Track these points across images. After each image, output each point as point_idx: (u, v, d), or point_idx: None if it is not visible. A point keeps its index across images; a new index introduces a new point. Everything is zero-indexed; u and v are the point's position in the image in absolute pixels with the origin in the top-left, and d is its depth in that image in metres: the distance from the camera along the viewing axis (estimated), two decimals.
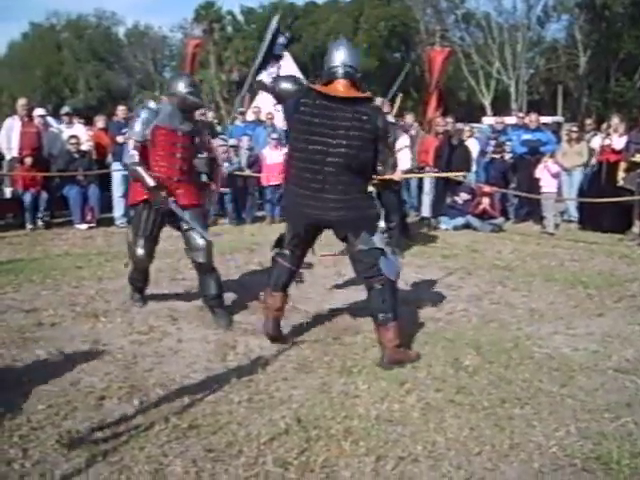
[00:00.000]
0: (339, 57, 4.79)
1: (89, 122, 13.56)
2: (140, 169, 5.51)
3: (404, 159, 8.94)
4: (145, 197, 5.60)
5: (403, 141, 9.41)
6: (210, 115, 14.78)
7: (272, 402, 4.01)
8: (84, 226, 11.09)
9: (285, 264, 5.03)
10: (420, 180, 12.45)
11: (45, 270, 7.55)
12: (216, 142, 11.78)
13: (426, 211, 12.06)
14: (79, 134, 12.14)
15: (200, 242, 5.63)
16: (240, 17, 52.07)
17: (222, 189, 11.48)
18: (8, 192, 11.31)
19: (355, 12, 43.90)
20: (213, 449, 3.44)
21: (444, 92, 12.76)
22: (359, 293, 6.62)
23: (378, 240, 4.79)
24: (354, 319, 5.73)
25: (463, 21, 42.36)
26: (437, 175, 10.76)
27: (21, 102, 11.75)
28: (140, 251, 5.77)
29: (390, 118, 9.60)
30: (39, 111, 12.30)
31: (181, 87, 5.69)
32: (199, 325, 5.53)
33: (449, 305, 6.33)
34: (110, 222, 11.39)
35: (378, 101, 8.75)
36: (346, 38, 5.51)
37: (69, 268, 7.65)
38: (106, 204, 11.68)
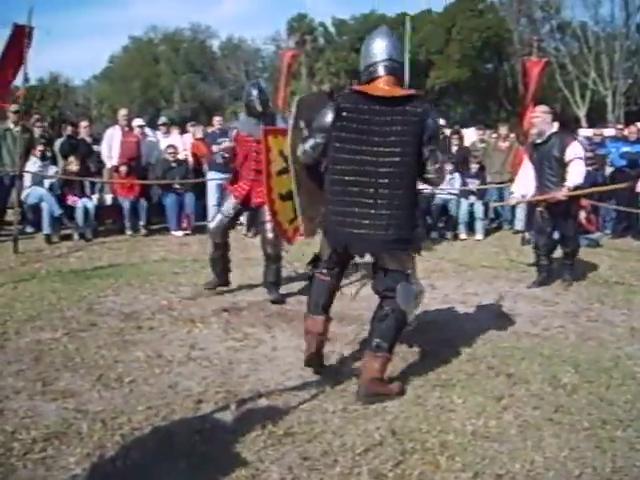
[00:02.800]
0: (379, 50, 4.15)
1: (183, 132, 13.90)
2: None
3: (576, 172, 7.33)
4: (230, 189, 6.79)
5: (576, 150, 7.42)
6: None
7: (366, 413, 3.99)
8: (180, 233, 11.36)
9: (325, 280, 4.44)
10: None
11: (143, 275, 7.78)
12: None
13: (520, 224, 11.82)
14: (176, 143, 12.47)
15: (269, 236, 6.53)
16: (332, 29, 52.38)
17: None
18: (109, 199, 11.71)
19: (447, 23, 43.45)
20: (308, 457, 3.45)
21: (538, 104, 12.48)
22: (452, 306, 6.59)
23: (410, 263, 4.24)
24: (448, 332, 5.66)
25: (558, 31, 41.37)
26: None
27: (122, 112, 12.20)
28: (213, 225, 6.79)
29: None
30: (138, 121, 12.71)
31: (244, 96, 6.68)
32: (293, 334, 5.56)
33: (545, 321, 6.16)
34: (205, 230, 11.58)
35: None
36: (388, 28, 4.36)
37: (166, 273, 7.85)
38: (201, 212, 11.91)
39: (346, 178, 4.05)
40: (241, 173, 6.69)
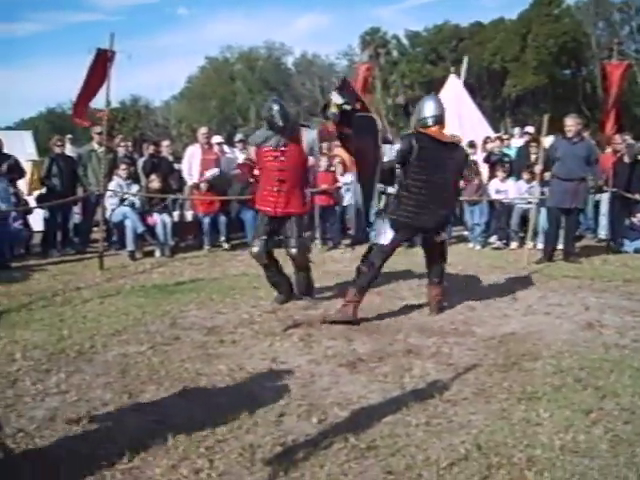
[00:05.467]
0: (430, 109, 6.41)
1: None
2: None
3: None
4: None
5: None
6: None
7: (450, 427, 3.92)
8: None
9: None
10: (597, 200, 11.95)
11: (224, 289, 7.88)
12: None
13: (604, 233, 11.49)
14: (253, 159, 12.61)
15: (293, 251, 6.85)
16: (405, 41, 52.30)
17: None
18: (189, 215, 11.93)
19: (522, 30, 42.77)
20: (392, 471, 3.40)
21: (621, 108, 12.12)
22: (536, 318, 6.44)
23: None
24: (532, 344, 5.52)
25: (638, 32, 40.23)
26: None
27: (202, 130, 12.45)
28: (255, 249, 6.91)
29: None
30: (217, 138, 12.97)
31: (264, 111, 6.88)
32: (374, 347, 5.53)
33: (633, 332, 5.95)
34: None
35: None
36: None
37: (246, 288, 7.93)
38: None
39: (423, 191, 6.26)
40: (264, 186, 6.91)
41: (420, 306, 6.92)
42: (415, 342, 5.66)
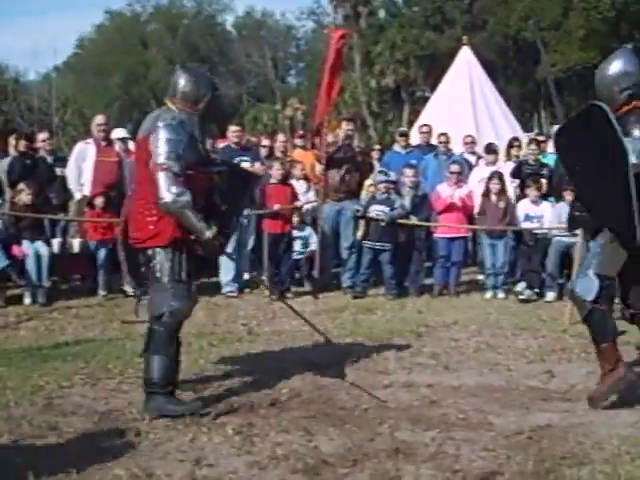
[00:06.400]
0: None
1: None
2: None
3: None
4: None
5: None
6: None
7: None
8: None
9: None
10: None
11: (126, 356, 7.85)
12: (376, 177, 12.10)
13: None
14: None
15: None
16: None
17: (373, 243, 11.67)
18: (76, 245, 11.85)
19: None
20: None
21: None
22: (582, 404, 6.53)
23: None
24: (576, 443, 5.56)
25: None
26: None
27: (98, 120, 12.40)
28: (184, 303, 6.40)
29: None
30: (119, 132, 12.87)
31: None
32: (346, 444, 5.55)
33: None
34: (214, 289, 11.72)
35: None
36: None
37: None
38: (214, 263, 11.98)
39: None
40: None
41: (412, 385, 6.97)
42: (406, 437, 5.66)
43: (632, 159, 5.98)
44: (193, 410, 6.10)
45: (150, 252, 6.28)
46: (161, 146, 6.04)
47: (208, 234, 6.19)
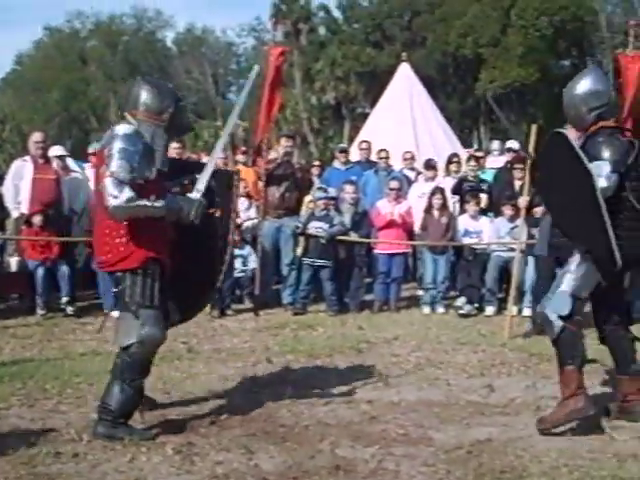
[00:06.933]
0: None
1: None
2: None
3: None
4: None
5: None
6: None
7: None
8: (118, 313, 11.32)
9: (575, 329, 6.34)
10: None
11: (64, 376, 7.75)
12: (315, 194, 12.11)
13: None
14: None
15: None
16: (337, 13, 53.19)
17: (313, 260, 11.69)
18: (14, 263, 11.73)
19: (503, 2, 44.09)
20: None
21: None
22: (521, 418, 6.58)
23: None
24: (515, 456, 5.60)
25: None
26: None
27: (36, 137, 12.26)
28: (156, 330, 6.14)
29: None
30: (56, 150, 12.78)
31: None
32: (286, 461, 5.54)
33: None
34: None
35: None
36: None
37: (98, 373, 7.72)
38: None
39: None
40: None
41: (352, 401, 7.00)
42: (346, 454, 5.67)
43: (600, 183, 6.01)
44: (145, 439, 5.98)
45: (120, 275, 6.14)
46: (115, 154, 5.95)
47: (195, 195, 6.24)
